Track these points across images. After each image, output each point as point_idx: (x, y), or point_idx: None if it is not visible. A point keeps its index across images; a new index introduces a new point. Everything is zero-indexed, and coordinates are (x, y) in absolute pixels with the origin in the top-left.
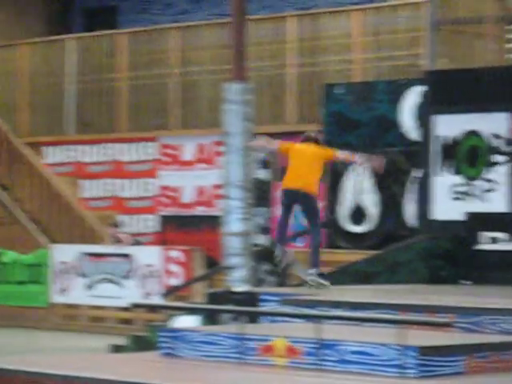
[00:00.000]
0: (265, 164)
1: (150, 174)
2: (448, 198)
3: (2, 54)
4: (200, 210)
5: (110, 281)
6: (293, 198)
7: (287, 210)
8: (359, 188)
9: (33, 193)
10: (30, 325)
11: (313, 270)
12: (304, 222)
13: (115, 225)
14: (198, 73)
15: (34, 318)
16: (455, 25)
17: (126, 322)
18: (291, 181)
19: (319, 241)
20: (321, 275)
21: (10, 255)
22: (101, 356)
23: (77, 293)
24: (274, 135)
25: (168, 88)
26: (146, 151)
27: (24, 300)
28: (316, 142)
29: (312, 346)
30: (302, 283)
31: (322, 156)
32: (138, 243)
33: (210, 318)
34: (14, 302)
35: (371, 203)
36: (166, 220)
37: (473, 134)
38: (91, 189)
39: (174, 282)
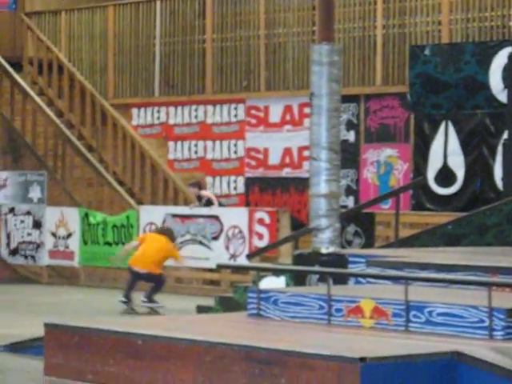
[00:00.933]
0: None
1: (237, 135)
2: None
3: (90, 15)
4: (286, 172)
5: (197, 242)
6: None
7: None
8: (446, 150)
9: (118, 154)
10: (118, 286)
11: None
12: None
13: (195, 184)
14: (284, 34)
15: (122, 279)
16: None
17: (213, 283)
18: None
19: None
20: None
21: (98, 216)
22: (188, 317)
23: None
24: (361, 96)
25: (254, 50)
26: (232, 113)
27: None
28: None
29: (399, 307)
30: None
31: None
32: (222, 205)
33: (297, 279)
34: (102, 263)
35: (459, 165)
36: (252, 182)
37: None
38: (178, 150)
39: (260, 243)
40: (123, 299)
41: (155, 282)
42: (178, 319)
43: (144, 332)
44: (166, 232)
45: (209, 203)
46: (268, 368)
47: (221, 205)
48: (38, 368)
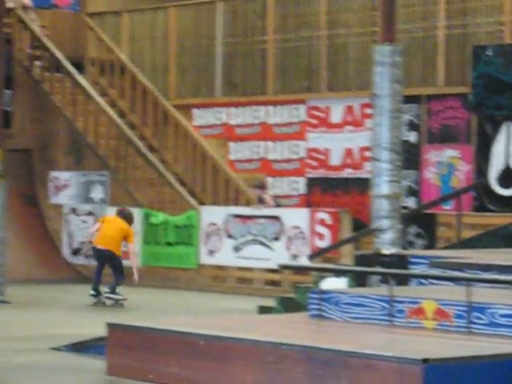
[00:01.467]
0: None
1: (298, 136)
2: None
3: (152, 16)
4: (348, 173)
5: (258, 242)
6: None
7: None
8: (509, 150)
9: (179, 155)
10: (180, 286)
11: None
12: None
13: (260, 186)
14: (345, 35)
15: (183, 279)
16: None
17: (274, 283)
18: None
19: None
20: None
21: (160, 217)
22: (249, 317)
23: (225, 254)
24: (422, 97)
25: (316, 50)
26: (294, 113)
27: (173, 261)
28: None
29: (461, 308)
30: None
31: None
32: (279, 205)
33: (358, 280)
34: (163, 263)
35: None
36: (313, 182)
37: None
38: (239, 151)
39: (321, 243)
40: (92, 292)
41: (116, 264)
42: (240, 320)
43: (206, 332)
44: (126, 215)
45: (261, 201)
46: (330, 369)
47: (279, 205)
48: (100, 368)
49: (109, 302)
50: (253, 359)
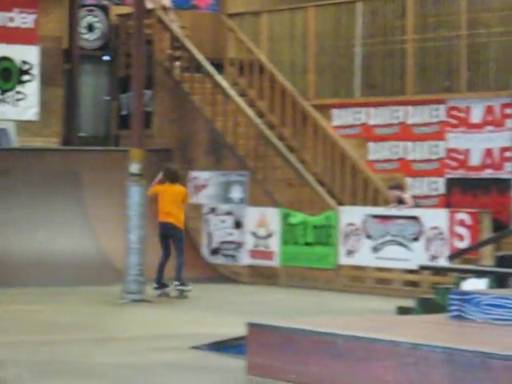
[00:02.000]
0: None
1: (438, 136)
2: None
3: (291, 16)
4: (488, 173)
5: (397, 243)
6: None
7: None
8: None
9: (318, 155)
10: (318, 286)
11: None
12: None
13: (397, 186)
14: (486, 35)
15: (322, 279)
16: None
17: (412, 284)
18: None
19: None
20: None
21: (299, 217)
22: (389, 318)
23: (363, 255)
24: None
25: (455, 50)
26: (433, 114)
27: (312, 261)
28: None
29: None
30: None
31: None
32: (418, 206)
33: (499, 281)
34: (302, 263)
35: None
36: (453, 183)
37: None
38: (378, 151)
39: (460, 244)
40: (156, 285)
41: (178, 239)
42: (379, 320)
43: (345, 333)
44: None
45: (400, 201)
46: (471, 371)
47: (418, 206)
48: (240, 367)
49: (174, 293)
50: (392, 360)
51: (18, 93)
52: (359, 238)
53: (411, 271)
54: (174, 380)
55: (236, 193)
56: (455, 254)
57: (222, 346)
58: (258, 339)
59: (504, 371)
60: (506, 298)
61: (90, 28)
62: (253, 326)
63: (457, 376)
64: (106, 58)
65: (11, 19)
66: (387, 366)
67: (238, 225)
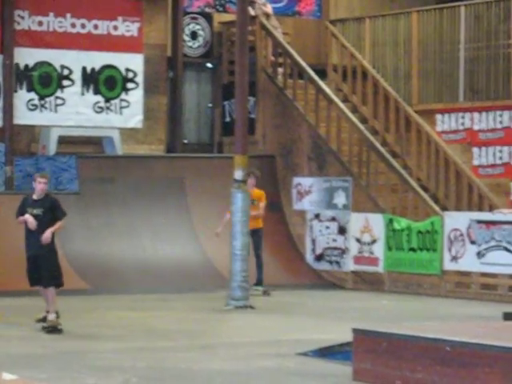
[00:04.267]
0: None
1: None
2: None
3: (394, 21)
4: None
5: (502, 248)
6: None
7: None
8: None
9: (422, 160)
10: (423, 292)
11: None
12: None
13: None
14: None
15: (427, 284)
16: None
17: None
18: None
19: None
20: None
21: (403, 222)
22: (495, 323)
23: (468, 260)
24: None
25: None
26: None
27: (416, 267)
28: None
29: None
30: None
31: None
32: None
33: None
34: (406, 269)
35: None
36: None
37: None
38: (483, 156)
39: None
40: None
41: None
42: (486, 326)
43: (452, 338)
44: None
45: None
46: None
47: None
48: (347, 373)
49: (256, 293)
50: (500, 366)
51: (123, 101)
52: (464, 243)
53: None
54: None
55: (340, 198)
56: None
57: (327, 352)
58: (363, 345)
59: None
60: None
61: (194, 36)
62: (358, 332)
63: None
64: (209, 65)
65: (115, 28)
66: (494, 372)
67: (342, 231)
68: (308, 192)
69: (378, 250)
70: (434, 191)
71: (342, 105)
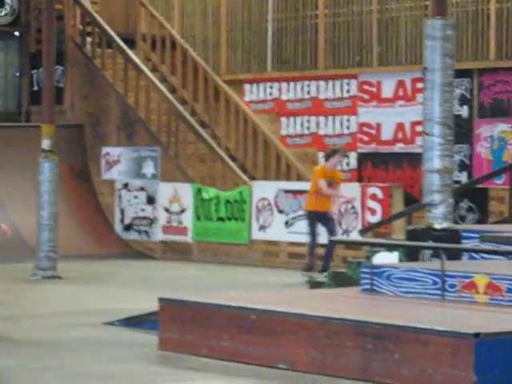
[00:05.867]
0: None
1: (349, 111)
2: None
3: None
4: (399, 147)
5: None
6: None
7: None
8: None
9: (231, 130)
10: (232, 261)
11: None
12: None
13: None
14: (396, 9)
15: (235, 254)
16: None
17: None
18: None
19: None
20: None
21: (211, 192)
22: (301, 292)
23: (276, 229)
24: (474, 71)
25: (367, 25)
26: (345, 88)
27: (225, 236)
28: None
29: None
30: None
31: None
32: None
33: (410, 255)
34: (215, 239)
35: None
36: (365, 157)
37: None
38: (290, 126)
39: (372, 218)
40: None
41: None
42: (291, 294)
43: (257, 307)
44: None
45: None
46: (381, 343)
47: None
48: (153, 342)
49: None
50: (304, 333)
51: None
52: (272, 212)
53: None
54: (84, 355)
55: (148, 168)
56: (367, 228)
57: (134, 322)
58: (169, 314)
59: (414, 343)
60: (416, 271)
61: (1, 3)
62: (164, 301)
63: (367, 348)
64: (16, 33)
65: None
66: (299, 340)
67: (150, 200)
68: (117, 162)
69: (187, 219)
70: (242, 161)
71: (150, 74)
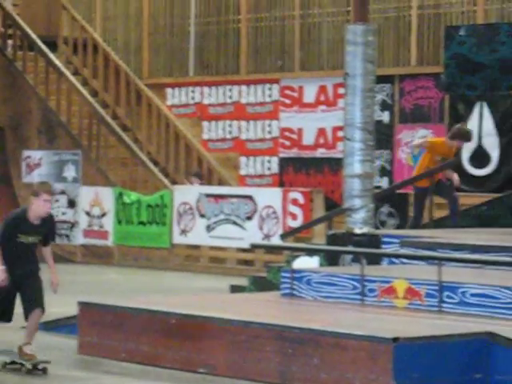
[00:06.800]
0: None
1: (271, 115)
2: None
3: None
4: (320, 152)
5: (231, 222)
6: None
7: None
8: (481, 131)
9: (152, 134)
10: (153, 265)
11: None
12: None
13: (197, 175)
14: (318, 15)
15: (156, 258)
16: None
17: (246, 262)
18: None
19: None
20: None
21: (133, 196)
22: (222, 296)
23: (197, 234)
24: (395, 77)
25: (289, 30)
26: (267, 93)
27: (146, 240)
28: None
29: (432, 288)
30: None
31: None
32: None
33: (330, 259)
34: (136, 243)
35: (493, 146)
36: (286, 162)
37: None
38: (212, 130)
39: (293, 223)
40: None
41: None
42: (212, 299)
43: (177, 311)
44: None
45: None
46: (301, 348)
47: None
48: (72, 346)
49: None
50: (225, 338)
51: None
52: (193, 217)
53: (245, 250)
54: (1, 359)
55: (69, 172)
56: (288, 233)
57: (53, 326)
58: (89, 318)
59: (333, 348)
60: (336, 276)
61: None
62: (83, 305)
63: (287, 353)
64: None
65: None
66: (219, 344)
67: (71, 204)
68: (37, 165)
69: (108, 223)
70: (163, 165)
71: (72, 78)
